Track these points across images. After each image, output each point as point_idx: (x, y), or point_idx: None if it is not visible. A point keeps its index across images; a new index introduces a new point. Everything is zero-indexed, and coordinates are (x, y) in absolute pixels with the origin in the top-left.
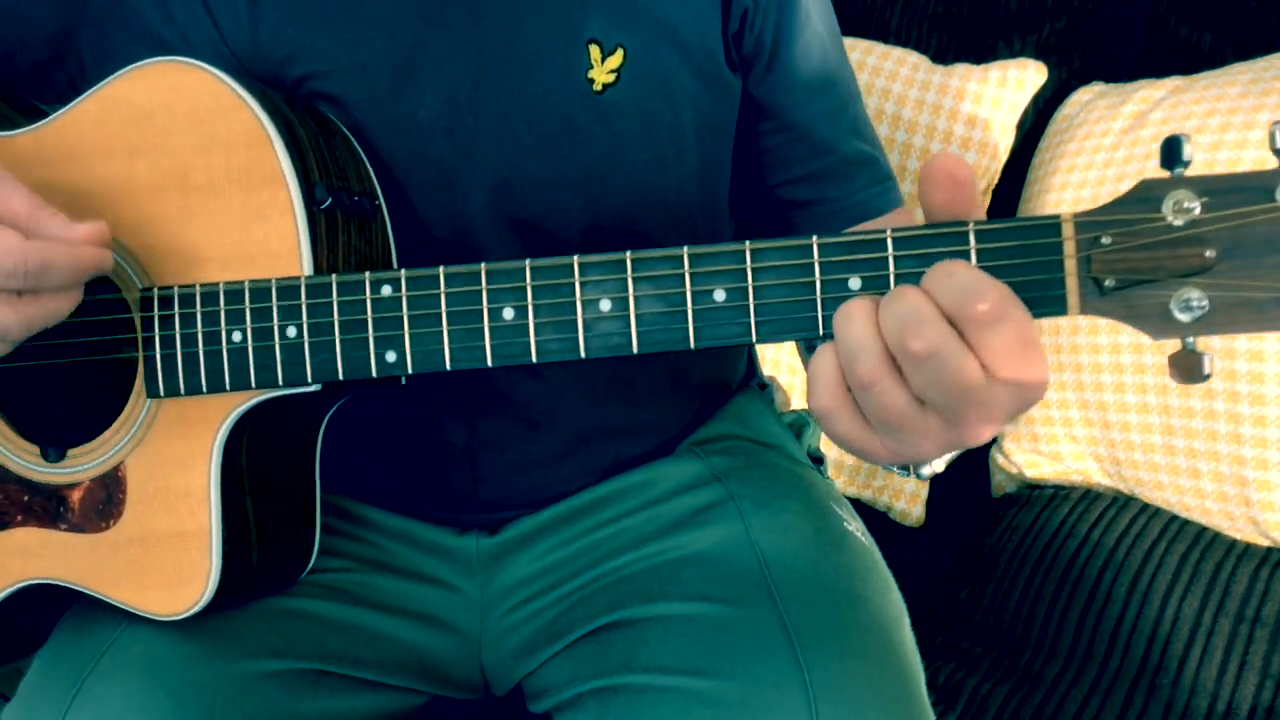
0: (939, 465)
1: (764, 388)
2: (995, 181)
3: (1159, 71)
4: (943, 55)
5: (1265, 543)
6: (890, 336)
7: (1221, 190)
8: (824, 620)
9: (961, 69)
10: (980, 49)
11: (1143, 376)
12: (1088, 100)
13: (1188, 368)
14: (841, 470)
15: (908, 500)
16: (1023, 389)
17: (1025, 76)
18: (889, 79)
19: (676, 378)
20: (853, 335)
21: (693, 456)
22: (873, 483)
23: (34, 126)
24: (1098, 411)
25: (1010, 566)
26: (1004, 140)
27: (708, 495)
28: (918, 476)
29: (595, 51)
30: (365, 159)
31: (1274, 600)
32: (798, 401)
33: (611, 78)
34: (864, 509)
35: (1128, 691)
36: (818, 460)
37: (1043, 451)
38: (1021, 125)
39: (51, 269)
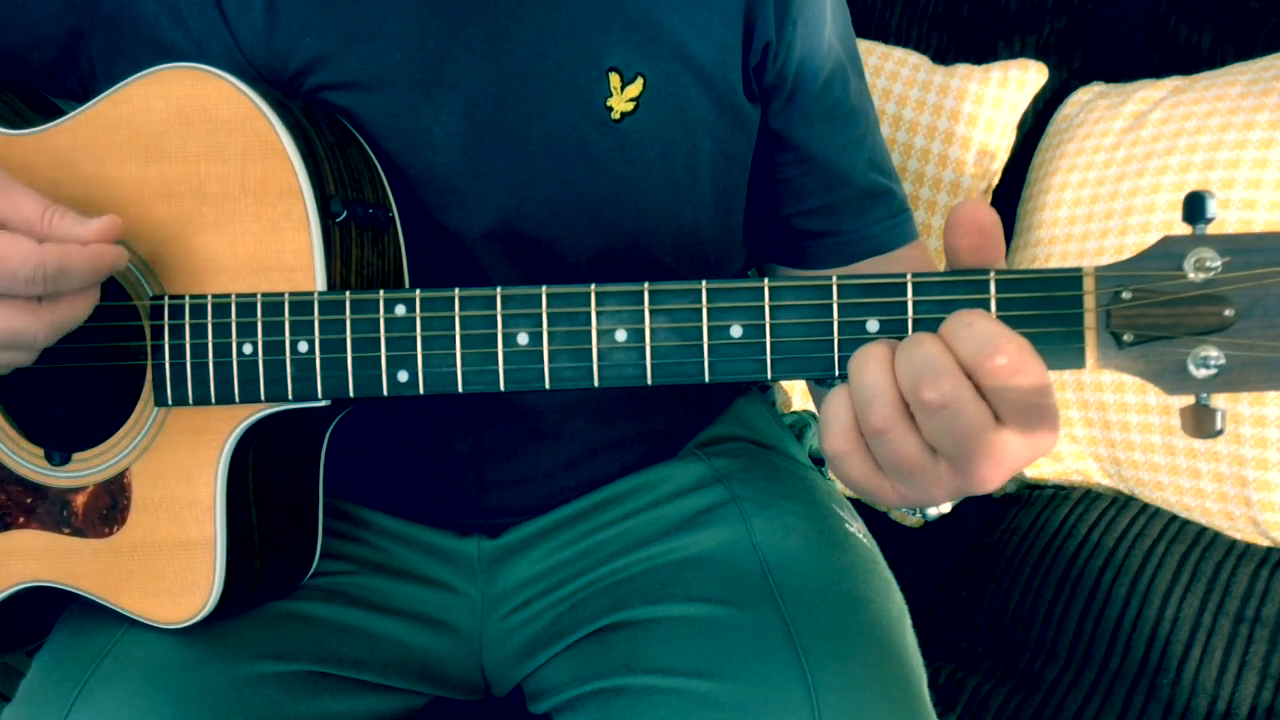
0: (945, 508)
1: (765, 389)
2: (995, 182)
3: (1159, 71)
4: (943, 55)
5: (1265, 543)
6: (905, 384)
7: (1243, 250)
8: (826, 622)
9: (961, 69)
10: (980, 49)
11: None
12: (1088, 100)
13: (1201, 423)
14: None
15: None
16: (1034, 441)
17: (1025, 76)
18: (889, 79)
19: (686, 390)
20: (867, 381)
21: (695, 458)
22: None
23: (46, 127)
24: (1098, 411)
25: (1010, 566)
26: (1004, 140)
27: (710, 497)
28: (924, 518)
29: (615, 80)
30: (381, 170)
31: (1274, 600)
32: (798, 402)
33: (630, 106)
34: (865, 509)
35: (1128, 691)
36: (819, 461)
37: None
38: (1021, 125)
39: (69, 272)
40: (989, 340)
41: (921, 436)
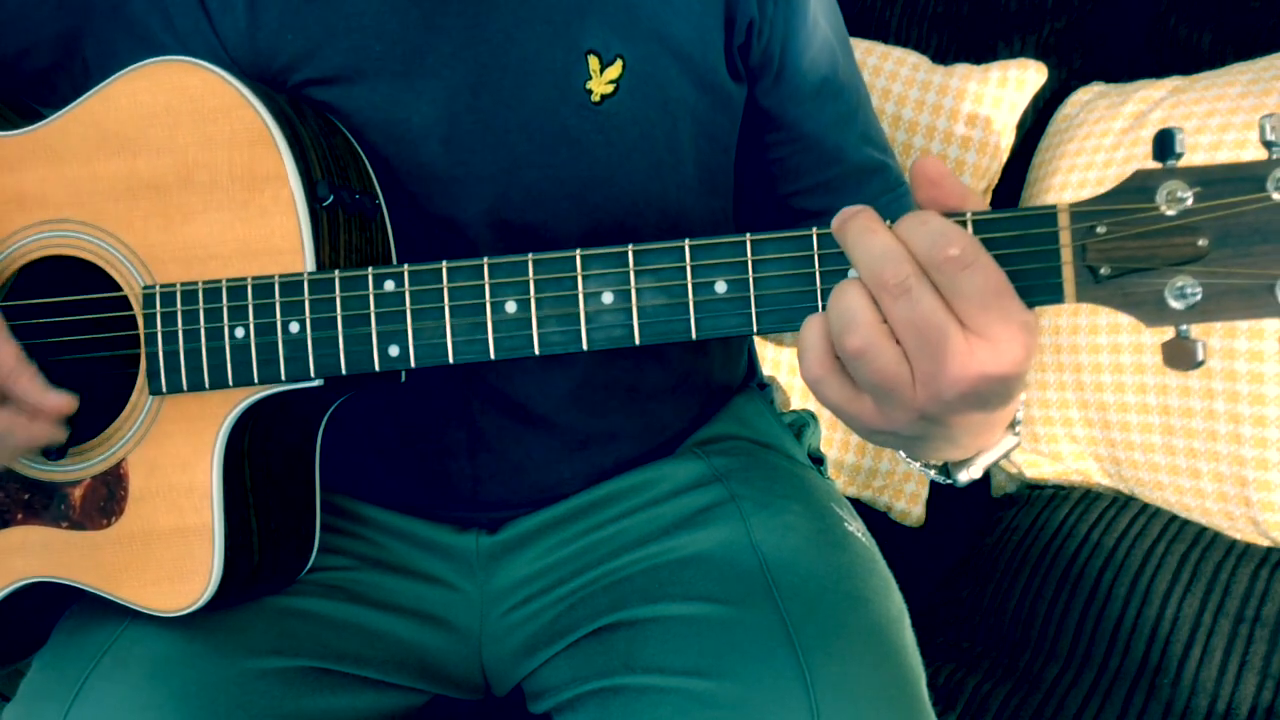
0: (976, 471)
1: (764, 388)
2: (995, 181)
3: (1159, 71)
4: (943, 55)
5: (1265, 543)
6: (868, 275)
7: (1213, 181)
8: (825, 621)
9: (961, 69)
10: (980, 49)
11: (1143, 376)
12: (1088, 100)
13: (1181, 355)
14: (841, 470)
15: (908, 500)
16: (998, 348)
17: (1025, 76)
18: (889, 79)
19: (679, 381)
20: (844, 304)
21: (694, 457)
22: (873, 483)
23: (35, 125)
24: (1098, 411)
25: (1010, 566)
26: (1004, 140)
27: (709, 496)
28: (954, 483)
29: (594, 62)
30: (366, 159)
31: (1274, 600)
32: (798, 402)
33: (610, 88)
34: (864, 509)
35: (1128, 691)
36: (818, 460)
37: (1043, 451)
38: (1021, 125)
39: (4, 444)
40: (942, 234)
41: (896, 348)
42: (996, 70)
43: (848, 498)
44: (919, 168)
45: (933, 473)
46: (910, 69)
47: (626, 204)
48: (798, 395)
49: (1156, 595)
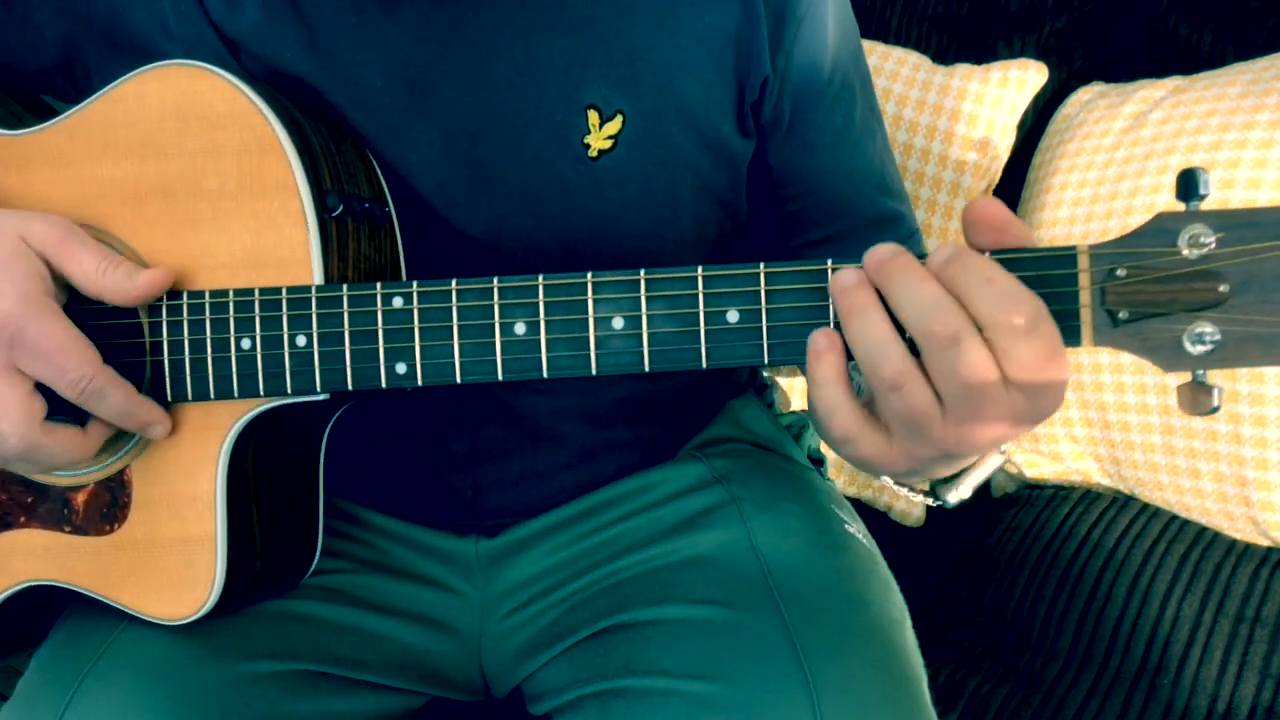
0: (965, 491)
1: (764, 390)
2: (995, 181)
3: (1159, 71)
4: (943, 55)
5: (1265, 543)
6: (915, 322)
7: (1237, 225)
8: (826, 623)
9: (961, 69)
10: (980, 49)
11: (1143, 376)
12: (1088, 100)
13: (1197, 400)
14: (841, 471)
15: (908, 500)
16: (1039, 401)
17: (1025, 76)
18: (889, 79)
19: (686, 391)
20: (874, 334)
21: (694, 459)
22: (873, 483)
23: (43, 126)
24: (1098, 411)
25: (1010, 566)
26: (1004, 140)
27: (709, 498)
28: (944, 505)
29: (594, 117)
30: (376, 165)
31: (1274, 600)
32: (798, 402)
33: (608, 144)
34: (864, 509)
35: (1128, 691)
36: (818, 461)
37: (1043, 451)
38: (1021, 125)
39: (104, 399)
40: (1010, 298)
41: (928, 382)
42: (997, 70)
43: (848, 498)
44: (982, 214)
45: (919, 496)
46: (910, 69)
47: (620, 257)
48: (797, 397)
49: (1156, 595)
